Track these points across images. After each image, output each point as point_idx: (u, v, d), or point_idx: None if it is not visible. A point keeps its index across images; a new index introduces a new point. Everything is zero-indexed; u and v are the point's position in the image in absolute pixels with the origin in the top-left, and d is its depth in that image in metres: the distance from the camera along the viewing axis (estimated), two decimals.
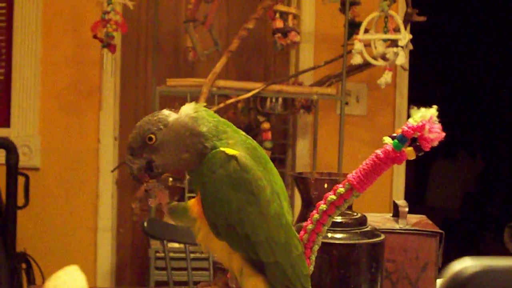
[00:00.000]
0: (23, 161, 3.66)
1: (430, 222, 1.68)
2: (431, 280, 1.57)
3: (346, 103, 3.86)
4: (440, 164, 7.29)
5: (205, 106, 2.79)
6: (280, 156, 3.88)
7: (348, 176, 0.91)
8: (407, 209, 1.63)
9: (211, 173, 0.94)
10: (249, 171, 0.93)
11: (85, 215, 3.80)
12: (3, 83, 3.83)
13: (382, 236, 1.40)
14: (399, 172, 3.99)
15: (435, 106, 0.87)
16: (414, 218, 1.69)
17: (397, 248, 1.57)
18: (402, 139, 0.85)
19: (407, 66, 3.66)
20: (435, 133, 0.84)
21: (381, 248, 1.40)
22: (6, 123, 3.81)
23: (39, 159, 3.83)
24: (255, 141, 1.02)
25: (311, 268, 1.03)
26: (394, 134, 0.87)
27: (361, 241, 1.36)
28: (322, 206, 0.95)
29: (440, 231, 1.58)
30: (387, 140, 0.88)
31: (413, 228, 1.59)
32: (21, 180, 3.40)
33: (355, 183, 0.89)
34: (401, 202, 1.66)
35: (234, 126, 1.02)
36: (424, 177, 7.26)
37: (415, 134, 0.85)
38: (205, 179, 0.94)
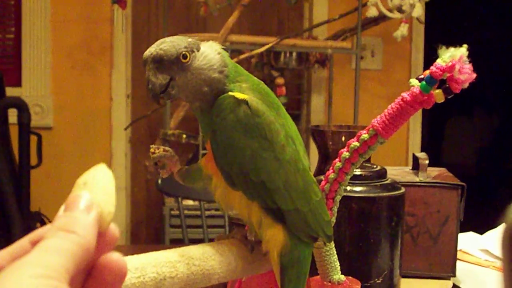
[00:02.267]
0: (35, 121, 3.63)
1: (451, 174, 1.63)
2: (452, 234, 1.53)
3: (361, 58, 3.80)
4: (455, 120, 7.22)
5: None
6: (295, 112, 3.83)
7: (373, 121, 0.86)
8: (427, 162, 1.58)
9: (221, 120, 0.89)
10: (261, 115, 0.88)
11: None
12: (13, 42, 3.79)
13: (403, 189, 1.36)
14: (415, 127, 3.94)
15: (465, 45, 0.82)
16: (434, 171, 1.65)
17: (418, 201, 1.53)
18: (430, 81, 0.80)
19: (423, 18, 3.59)
20: (466, 74, 0.79)
21: (402, 202, 1.36)
22: (17, 83, 3.78)
23: (51, 118, 3.80)
24: (267, 87, 0.97)
25: (333, 219, 0.99)
26: (421, 76, 0.82)
27: (381, 194, 1.32)
28: (345, 154, 0.90)
29: (462, 183, 1.54)
30: (414, 82, 0.82)
31: (433, 180, 1.54)
32: (33, 139, 3.37)
33: (380, 128, 0.84)
34: (421, 155, 1.62)
35: (243, 69, 0.97)
36: (440, 133, 7.20)
37: (444, 75, 0.80)
38: (215, 127, 0.90)
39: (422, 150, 4.00)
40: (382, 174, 1.38)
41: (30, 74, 3.77)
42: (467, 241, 1.85)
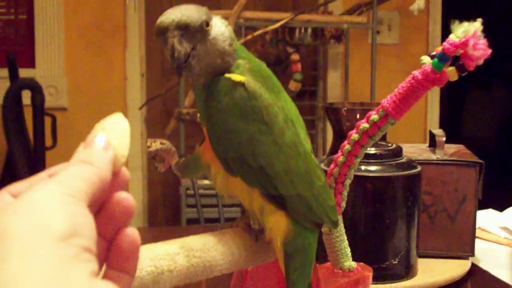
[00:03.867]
0: (49, 102, 3.62)
1: (468, 151, 1.59)
2: (470, 213, 1.49)
3: (378, 32, 3.75)
4: (474, 93, 7.15)
5: None
6: (311, 88, 3.79)
7: (382, 101, 0.82)
8: (444, 139, 1.54)
9: (216, 103, 0.84)
10: (258, 98, 0.83)
11: None
12: (26, 23, 3.77)
13: (419, 168, 1.32)
14: (433, 101, 3.89)
15: (479, 19, 0.77)
16: (451, 148, 1.61)
17: (435, 180, 1.49)
18: (442, 58, 0.75)
19: None
20: (481, 50, 0.74)
21: (418, 180, 1.32)
22: (31, 64, 3.76)
23: (66, 99, 3.78)
24: (269, 69, 0.92)
25: (343, 204, 0.95)
26: (434, 53, 0.78)
27: (396, 173, 1.29)
28: (354, 135, 0.86)
29: (480, 161, 1.50)
30: (426, 59, 0.78)
31: (451, 158, 1.50)
32: (48, 121, 3.35)
33: (390, 109, 0.80)
34: (438, 131, 1.58)
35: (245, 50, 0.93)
36: (459, 107, 7.13)
37: (458, 51, 0.75)
38: (210, 111, 0.85)
39: (440, 126, 3.95)
40: (398, 152, 1.34)
41: (43, 55, 3.75)
42: (486, 218, 1.81)
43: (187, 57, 0.82)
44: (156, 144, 0.96)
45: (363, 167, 1.29)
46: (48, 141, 3.35)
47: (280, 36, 3.27)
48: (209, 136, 0.87)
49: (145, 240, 1.82)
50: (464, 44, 0.74)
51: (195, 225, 2.93)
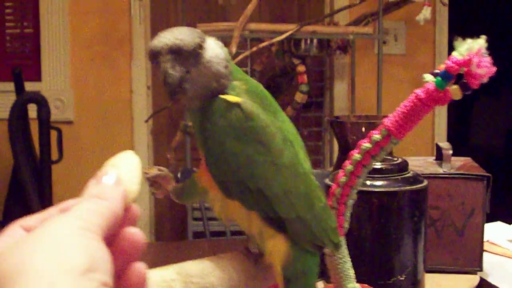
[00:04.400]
0: (56, 115, 3.62)
1: (476, 164, 1.57)
2: (478, 227, 1.47)
3: (384, 42, 3.73)
4: (483, 101, 7.12)
5: (237, 51, 2.67)
6: (318, 99, 3.77)
7: (385, 120, 0.80)
8: (451, 152, 1.52)
9: (212, 126, 0.82)
10: (255, 119, 0.82)
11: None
12: (32, 36, 3.77)
13: (425, 182, 1.30)
14: (440, 112, 3.87)
15: (483, 36, 0.75)
16: (458, 161, 1.59)
17: (442, 194, 1.47)
18: (446, 76, 0.73)
19: (446, 0, 3.50)
20: (485, 68, 0.72)
21: (424, 195, 1.30)
22: (37, 77, 3.76)
23: (72, 112, 3.78)
24: (265, 89, 0.91)
25: (346, 225, 0.93)
26: (437, 71, 0.76)
27: (402, 188, 1.27)
28: (356, 156, 0.83)
29: (487, 174, 1.48)
30: (429, 77, 0.76)
31: (458, 172, 1.48)
32: (54, 134, 3.35)
33: (392, 128, 0.78)
34: (445, 145, 1.56)
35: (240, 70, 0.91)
36: (468, 115, 7.10)
37: (461, 69, 0.73)
38: (206, 133, 0.84)
39: (448, 136, 3.93)
40: (403, 166, 1.32)
41: (49, 68, 3.75)
42: (494, 231, 1.79)
43: (180, 82, 0.80)
44: (154, 171, 0.94)
45: (368, 182, 1.27)
46: (54, 155, 3.34)
47: (286, 47, 3.25)
48: (206, 159, 0.86)
49: (152, 256, 1.79)
50: (468, 62, 0.72)
51: (201, 239, 2.91)
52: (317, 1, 3.92)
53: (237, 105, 0.82)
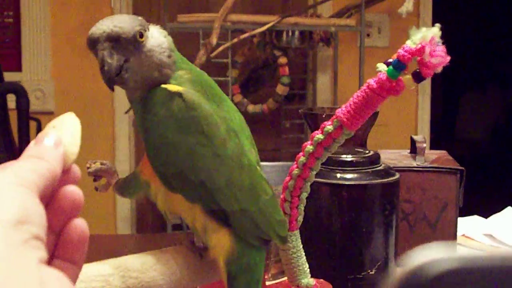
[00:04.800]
0: (36, 106, 3.58)
1: (450, 158, 1.56)
2: (451, 221, 1.46)
3: (368, 35, 3.71)
4: (469, 96, 7.12)
5: (218, 43, 2.64)
6: (301, 91, 3.75)
7: (337, 111, 0.78)
8: (425, 145, 1.51)
9: (152, 116, 0.80)
10: (197, 108, 0.79)
11: (102, 158, 3.71)
12: (12, 26, 3.73)
13: (397, 175, 1.29)
14: (424, 106, 3.85)
15: (437, 25, 0.73)
16: (433, 154, 1.57)
17: (415, 187, 1.46)
18: (398, 66, 0.71)
19: None
20: (438, 57, 0.70)
21: (396, 188, 1.29)
22: (18, 68, 3.72)
23: (53, 103, 3.74)
24: (210, 78, 0.88)
25: (300, 219, 0.91)
26: (390, 60, 0.74)
27: (373, 181, 1.25)
28: (308, 147, 0.81)
29: (460, 167, 1.46)
30: (381, 67, 0.74)
31: (431, 165, 1.47)
32: (33, 125, 3.31)
33: (344, 119, 0.76)
34: (418, 138, 1.54)
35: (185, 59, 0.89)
36: (453, 109, 7.11)
37: (414, 58, 0.71)
38: (147, 124, 0.81)
39: (433, 127, 3.92)
40: (375, 159, 1.31)
41: (30, 58, 3.72)
42: (471, 225, 1.78)
43: (118, 70, 0.78)
44: (96, 165, 0.92)
45: (338, 175, 1.26)
46: None
47: (268, 39, 3.23)
48: (147, 151, 0.83)
49: (131, 247, 1.77)
50: (421, 51, 0.70)
51: (179, 231, 2.89)
52: None
53: (178, 94, 0.80)
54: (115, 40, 0.78)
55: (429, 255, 0.37)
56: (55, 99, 3.75)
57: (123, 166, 3.76)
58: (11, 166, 0.50)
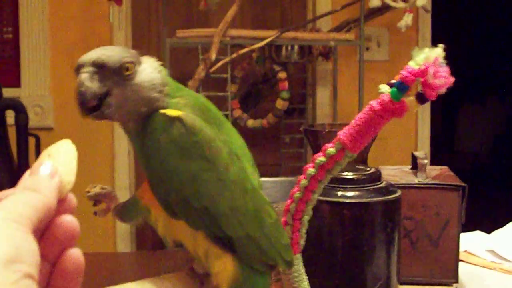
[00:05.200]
0: (36, 121, 3.58)
1: (452, 174, 1.55)
2: (454, 238, 1.45)
3: (367, 49, 3.71)
4: (468, 108, 7.12)
5: (217, 58, 2.63)
6: (300, 106, 3.74)
7: (339, 133, 0.77)
8: (426, 161, 1.49)
9: (152, 142, 0.78)
10: (198, 133, 0.78)
11: (101, 174, 3.72)
12: (11, 42, 3.72)
13: (398, 192, 1.28)
14: (424, 120, 3.84)
15: (440, 45, 0.72)
16: (434, 170, 1.56)
17: (416, 204, 1.45)
18: (401, 87, 0.70)
19: (429, 7, 3.48)
20: (442, 78, 0.69)
21: (397, 206, 1.28)
22: (16, 83, 3.72)
23: (52, 118, 3.73)
24: (208, 101, 0.87)
25: (302, 242, 0.89)
26: (393, 81, 0.73)
27: (375, 199, 1.24)
28: (310, 170, 0.80)
29: (462, 184, 1.45)
30: (384, 88, 0.73)
31: (432, 182, 1.46)
32: (32, 141, 3.30)
33: (347, 142, 0.75)
34: (420, 154, 1.53)
35: (183, 86, 0.87)
36: (453, 122, 7.10)
37: (417, 80, 0.70)
38: (147, 151, 0.79)
39: (433, 140, 3.90)
40: (376, 177, 1.29)
41: (29, 74, 3.71)
42: (473, 241, 1.77)
43: (96, 98, 0.76)
44: (96, 189, 0.91)
45: (339, 193, 1.25)
46: (32, 162, 3.29)
47: (267, 54, 3.23)
48: (148, 178, 0.82)
49: (131, 265, 1.75)
50: (424, 72, 0.69)
51: (177, 249, 2.87)
52: (299, 7, 3.89)
53: (178, 119, 0.78)
54: (100, 67, 0.77)
55: None
56: (54, 115, 3.74)
57: (123, 182, 3.74)
58: (5, 200, 0.50)
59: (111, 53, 0.77)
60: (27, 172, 0.54)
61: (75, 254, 0.53)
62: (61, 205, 0.54)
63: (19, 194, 0.51)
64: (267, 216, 0.81)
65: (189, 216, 0.79)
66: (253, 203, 0.80)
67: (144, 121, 0.80)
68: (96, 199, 0.92)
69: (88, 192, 0.91)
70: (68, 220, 0.53)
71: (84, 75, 0.76)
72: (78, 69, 0.77)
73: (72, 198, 0.55)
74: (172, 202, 0.80)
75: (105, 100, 0.77)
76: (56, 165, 0.55)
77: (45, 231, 0.52)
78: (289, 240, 0.86)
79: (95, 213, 0.94)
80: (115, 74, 0.77)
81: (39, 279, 0.48)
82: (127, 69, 0.78)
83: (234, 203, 0.79)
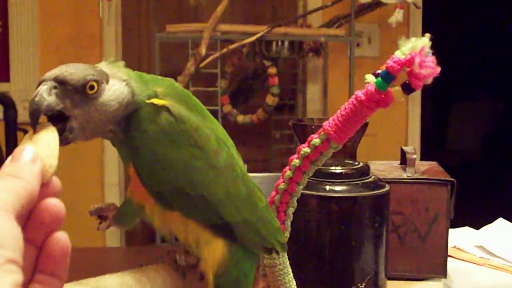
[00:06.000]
0: (25, 116, 3.55)
1: (441, 169, 1.54)
2: (442, 233, 1.44)
3: (358, 45, 3.71)
4: (459, 106, 7.13)
5: (207, 53, 2.61)
6: (290, 102, 3.74)
7: (324, 124, 0.76)
8: (415, 156, 1.49)
9: (141, 133, 0.76)
10: (186, 121, 0.77)
11: (91, 170, 3.70)
12: (0, 36, 3.70)
13: (387, 187, 1.27)
14: (414, 116, 3.84)
15: (427, 35, 0.71)
16: (423, 166, 1.56)
17: (405, 199, 1.44)
18: (387, 77, 0.69)
19: (420, 3, 3.49)
20: (428, 68, 0.68)
21: (386, 200, 1.27)
22: (5, 78, 3.70)
23: None
24: (181, 86, 0.86)
25: (287, 234, 0.89)
26: (378, 71, 0.72)
27: (363, 193, 1.23)
28: (295, 161, 0.79)
29: (451, 179, 1.45)
30: (370, 78, 0.72)
31: (421, 177, 1.45)
32: (21, 136, 3.29)
33: (332, 132, 0.74)
34: (409, 148, 1.52)
35: (152, 75, 0.85)
36: (444, 119, 7.11)
37: (403, 69, 0.69)
38: (135, 142, 0.77)
39: (423, 138, 3.90)
40: (365, 171, 1.29)
41: (18, 69, 3.69)
42: (462, 237, 1.76)
43: (50, 111, 0.71)
44: (94, 205, 0.90)
45: (328, 187, 1.24)
46: None
47: (257, 49, 3.22)
48: (138, 172, 0.80)
49: (119, 260, 1.75)
50: (410, 61, 0.68)
51: (167, 244, 2.87)
52: (290, 2, 3.88)
53: (165, 108, 0.77)
54: (61, 83, 0.73)
55: None
56: None
57: (113, 179, 3.73)
58: None
59: (75, 71, 0.74)
60: (9, 159, 0.54)
61: (61, 237, 0.53)
62: (45, 189, 0.54)
63: (1, 181, 0.51)
64: (258, 200, 0.82)
65: (184, 206, 0.78)
66: (245, 188, 0.80)
67: (125, 121, 0.78)
68: (98, 215, 0.91)
69: (90, 210, 0.90)
70: (53, 203, 0.53)
71: (43, 88, 0.72)
72: (39, 84, 0.74)
73: (57, 182, 0.55)
74: (165, 193, 0.78)
75: (67, 125, 0.73)
76: (37, 150, 0.54)
77: (30, 216, 0.52)
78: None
79: (98, 228, 0.92)
80: (77, 93, 0.74)
81: (25, 264, 0.49)
82: (92, 88, 0.75)
83: (228, 189, 0.79)
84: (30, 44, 3.68)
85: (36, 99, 0.71)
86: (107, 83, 0.76)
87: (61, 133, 0.71)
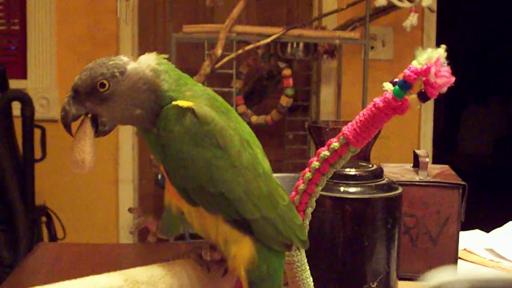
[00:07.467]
0: (41, 113, 3.60)
1: (453, 173, 1.57)
2: (453, 236, 1.47)
3: (372, 48, 3.73)
4: (471, 109, 7.13)
5: (223, 53, 2.65)
6: (304, 103, 3.77)
7: (343, 129, 0.79)
8: (427, 160, 1.51)
9: (167, 133, 0.81)
10: (210, 122, 0.81)
11: (105, 166, 3.74)
12: (18, 34, 3.75)
13: (400, 189, 1.29)
14: (426, 119, 3.86)
15: (443, 46, 0.74)
16: (436, 169, 1.58)
17: (417, 201, 1.47)
18: (404, 85, 0.73)
19: (434, 7, 3.50)
20: (443, 78, 0.71)
21: (399, 203, 1.29)
22: (23, 75, 3.74)
23: (57, 110, 3.75)
24: (214, 92, 0.90)
25: (306, 232, 0.92)
26: (396, 79, 0.75)
27: (376, 195, 1.26)
28: (315, 163, 0.83)
29: (463, 182, 1.47)
30: (387, 86, 0.75)
31: (433, 180, 1.48)
32: (38, 132, 3.33)
33: (350, 137, 0.77)
34: (421, 152, 1.55)
35: (192, 79, 0.89)
36: (456, 123, 7.11)
37: (420, 79, 0.73)
38: (162, 142, 0.82)
39: (435, 141, 3.92)
40: (378, 173, 1.31)
41: (35, 66, 3.74)
42: (472, 240, 1.79)
43: (75, 119, 0.83)
44: (137, 221, 0.94)
45: (342, 189, 1.26)
46: (38, 153, 3.32)
47: (272, 50, 3.25)
48: (165, 168, 0.85)
49: (133, 257, 1.77)
50: (426, 71, 0.71)
51: (180, 241, 2.90)
52: (305, 4, 3.91)
53: (190, 109, 0.81)
54: (75, 91, 0.83)
55: (442, 277, 0.38)
56: (59, 107, 3.75)
57: (127, 175, 3.77)
58: None
59: (85, 75, 0.82)
60: None
61: None
62: None
63: None
64: (280, 198, 0.85)
65: (205, 202, 0.82)
66: (266, 187, 0.84)
67: (156, 115, 0.83)
68: (141, 230, 0.95)
69: (131, 229, 0.94)
70: None
71: (66, 100, 0.83)
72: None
73: None
74: (189, 189, 0.82)
75: (99, 121, 0.83)
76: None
77: None
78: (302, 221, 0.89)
79: (149, 242, 0.96)
80: (92, 95, 0.82)
81: None
82: (103, 85, 0.82)
83: (248, 187, 0.83)
84: (47, 42, 3.72)
85: (62, 113, 0.83)
86: (123, 73, 0.83)
87: (96, 128, 0.82)
